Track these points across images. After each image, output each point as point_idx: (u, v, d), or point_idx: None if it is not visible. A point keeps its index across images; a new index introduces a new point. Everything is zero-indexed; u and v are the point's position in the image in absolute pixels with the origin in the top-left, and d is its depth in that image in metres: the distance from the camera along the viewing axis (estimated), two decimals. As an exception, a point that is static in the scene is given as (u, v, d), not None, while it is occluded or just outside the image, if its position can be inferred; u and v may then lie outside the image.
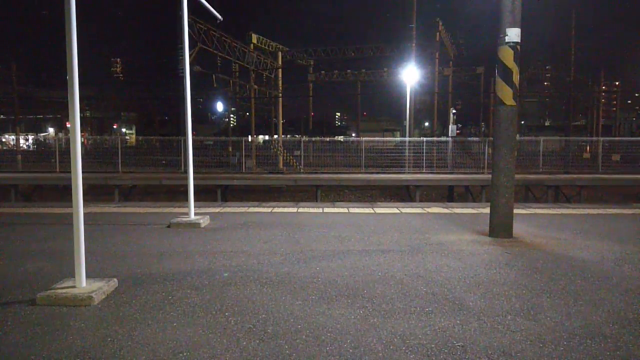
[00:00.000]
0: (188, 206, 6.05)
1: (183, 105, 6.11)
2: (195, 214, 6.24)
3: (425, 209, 7.63)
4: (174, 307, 3.00)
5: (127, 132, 60.38)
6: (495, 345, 2.48)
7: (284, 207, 7.85)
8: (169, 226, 5.84)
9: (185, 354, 2.37)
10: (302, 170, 20.11)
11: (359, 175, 17.85)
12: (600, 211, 7.46)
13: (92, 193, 17.21)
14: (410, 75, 23.39)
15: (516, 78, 4.88)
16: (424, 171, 19.01)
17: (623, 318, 2.85)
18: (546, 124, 73.52)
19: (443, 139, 21.10)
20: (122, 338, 2.55)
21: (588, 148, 22.37)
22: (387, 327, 2.71)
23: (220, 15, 7.08)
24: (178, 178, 16.42)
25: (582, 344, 2.49)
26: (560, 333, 2.63)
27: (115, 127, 59.30)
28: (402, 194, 18.24)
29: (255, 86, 30.92)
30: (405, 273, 3.78)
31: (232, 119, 51.92)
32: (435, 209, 7.55)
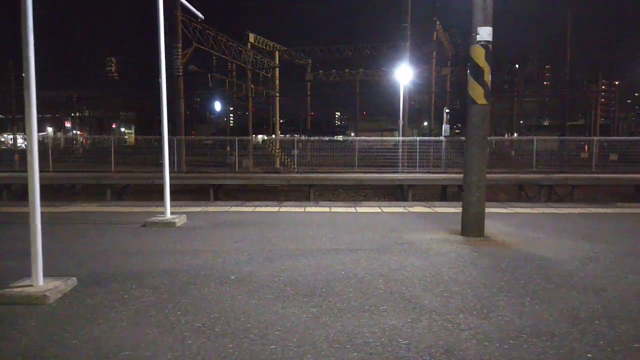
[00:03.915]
0: (164, 205, 6.06)
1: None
2: (173, 213, 6.25)
3: (407, 208, 7.63)
4: (127, 306, 3.00)
5: (127, 131, 60.40)
6: (440, 343, 2.48)
7: (267, 206, 7.85)
8: (144, 225, 5.84)
9: (128, 352, 2.37)
10: (296, 170, 20.11)
11: (352, 175, 17.85)
12: (583, 210, 7.45)
13: (86, 192, 17.26)
14: (403, 75, 23.34)
15: (487, 77, 4.87)
16: (417, 171, 18.99)
17: (575, 317, 2.85)
18: (545, 123, 73.51)
19: (437, 138, 21.08)
20: (69, 337, 2.55)
21: (586, 148, 22.30)
22: (336, 325, 2.71)
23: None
24: (170, 177, 16.39)
25: (528, 342, 2.49)
26: (508, 331, 2.62)
27: (114, 126, 59.32)
28: (396, 193, 18.22)
29: (253, 85, 30.91)
30: (367, 272, 3.78)
31: (230, 118, 51.91)
32: (418, 208, 7.55)
